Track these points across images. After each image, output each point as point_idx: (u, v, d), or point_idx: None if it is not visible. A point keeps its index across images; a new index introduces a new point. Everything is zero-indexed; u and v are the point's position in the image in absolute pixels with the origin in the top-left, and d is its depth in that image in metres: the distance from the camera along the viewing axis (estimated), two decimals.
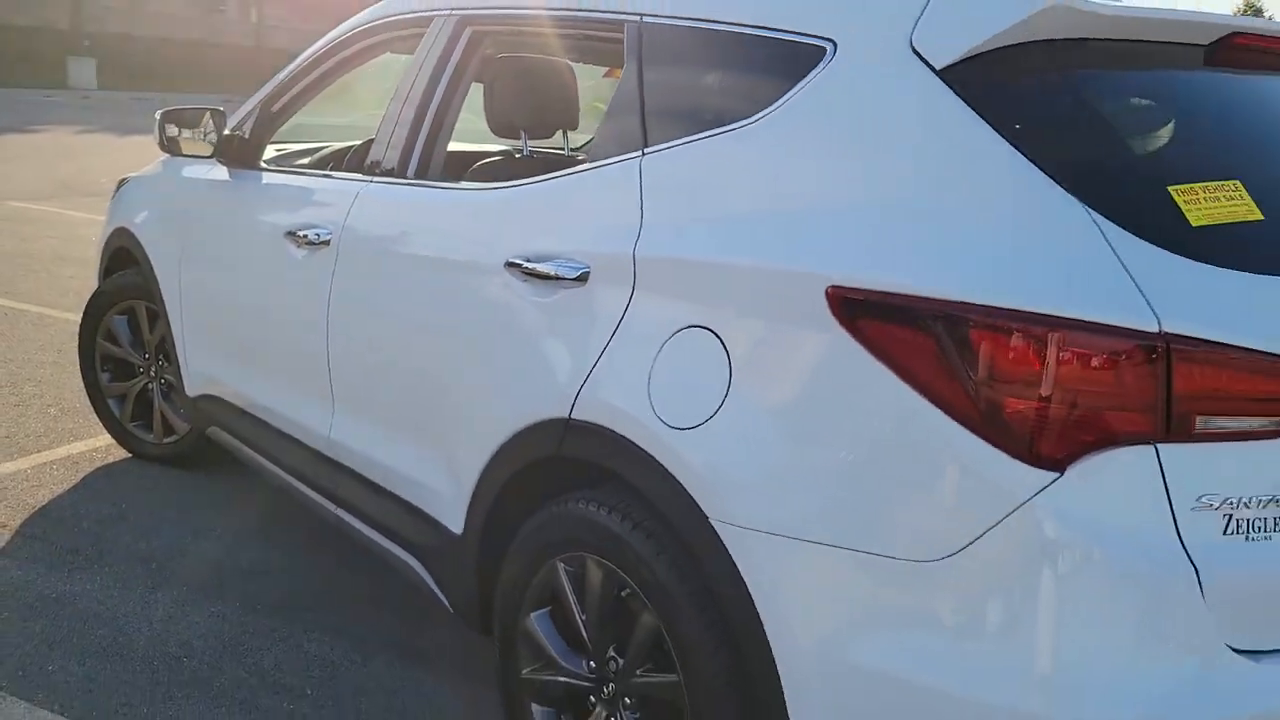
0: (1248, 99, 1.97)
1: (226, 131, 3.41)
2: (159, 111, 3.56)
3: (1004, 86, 1.73)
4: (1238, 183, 1.68)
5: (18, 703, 2.54)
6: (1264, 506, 1.56)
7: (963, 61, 1.73)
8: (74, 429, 4.31)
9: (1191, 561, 1.51)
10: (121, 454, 4.11)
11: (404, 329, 2.59)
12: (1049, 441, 1.52)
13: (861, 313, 1.65)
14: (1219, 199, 1.64)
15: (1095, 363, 1.50)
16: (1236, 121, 1.94)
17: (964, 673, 1.56)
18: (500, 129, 2.78)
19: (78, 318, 4.19)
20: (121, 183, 4.23)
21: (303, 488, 3.07)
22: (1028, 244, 1.60)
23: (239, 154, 3.40)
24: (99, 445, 4.17)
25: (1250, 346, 1.52)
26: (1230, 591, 1.54)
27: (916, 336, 1.60)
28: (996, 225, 1.63)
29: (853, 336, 1.65)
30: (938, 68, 1.74)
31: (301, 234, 2.92)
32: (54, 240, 8.35)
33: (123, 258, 4.03)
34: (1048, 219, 1.59)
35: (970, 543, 1.55)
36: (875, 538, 1.63)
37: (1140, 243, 1.55)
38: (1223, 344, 1.51)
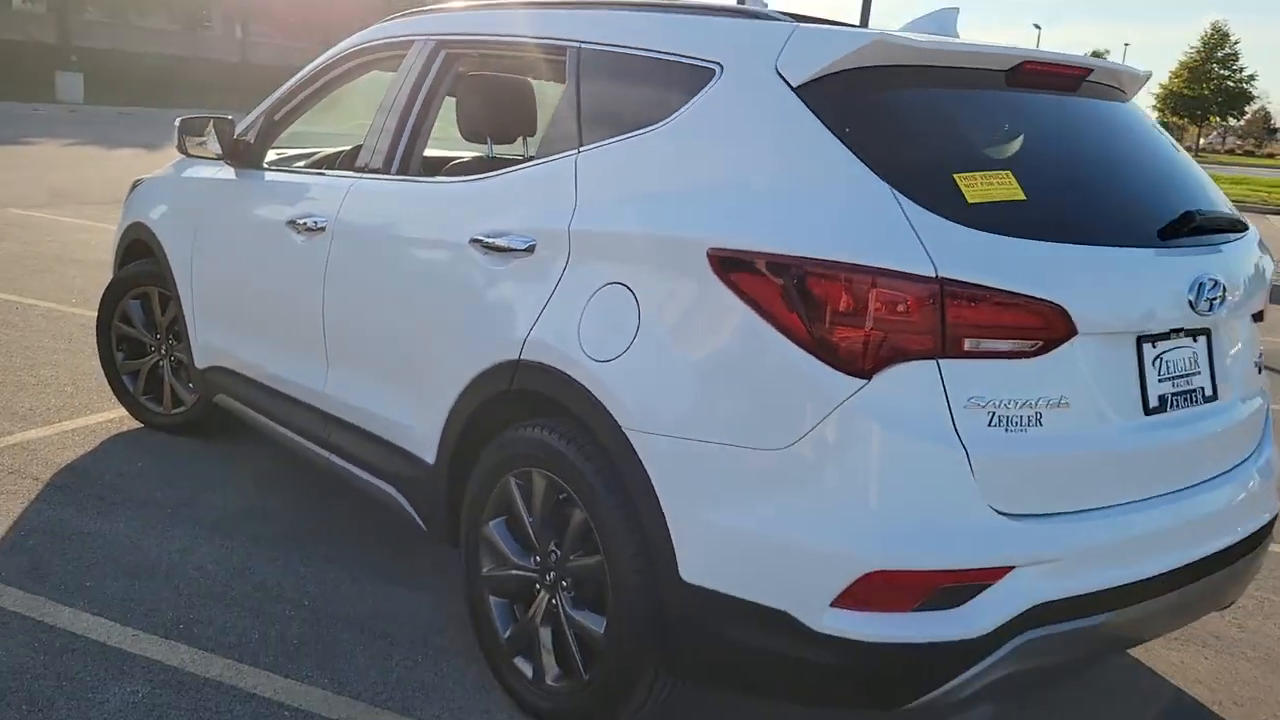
0: (1029, 111, 2.56)
1: (234, 137, 3.95)
2: (178, 119, 4.09)
3: (841, 100, 2.30)
4: (1009, 172, 2.26)
5: (62, 608, 3.06)
6: (1019, 408, 2.14)
7: (812, 81, 2.31)
8: (89, 404, 4.83)
9: (963, 445, 2.08)
10: (134, 424, 4.62)
11: (387, 296, 3.15)
12: (860, 357, 2.08)
13: (731, 268, 2.22)
14: (992, 184, 2.22)
15: (891, 299, 2.07)
16: (1016, 127, 2.52)
17: (799, 525, 2.12)
18: (470, 136, 3.32)
19: (84, 312, 4.72)
20: (136, 184, 4.76)
21: (300, 439, 3.61)
22: (848, 215, 2.17)
23: (245, 156, 3.95)
24: (114, 417, 4.69)
25: (1002, 288, 2.09)
26: (991, 468, 2.11)
27: (769, 283, 2.16)
28: (827, 202, 2.20)
29: (725, 285, 2.22)
30: (794, 85, 2.32)
31: (301, 222, 3.47)
32: (54, 244, 8.85)
33: (137, 249, 4.56)
34: (863, 197, 2.16)
35: (807, 432, 2.12)
36: (741, 433, 2.19)
37: (928, 214, 2.12)
38: (982, 285, 2.08)
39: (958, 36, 2.88)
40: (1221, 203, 2.74)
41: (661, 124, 2.52)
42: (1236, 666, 3.31)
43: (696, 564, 2.26)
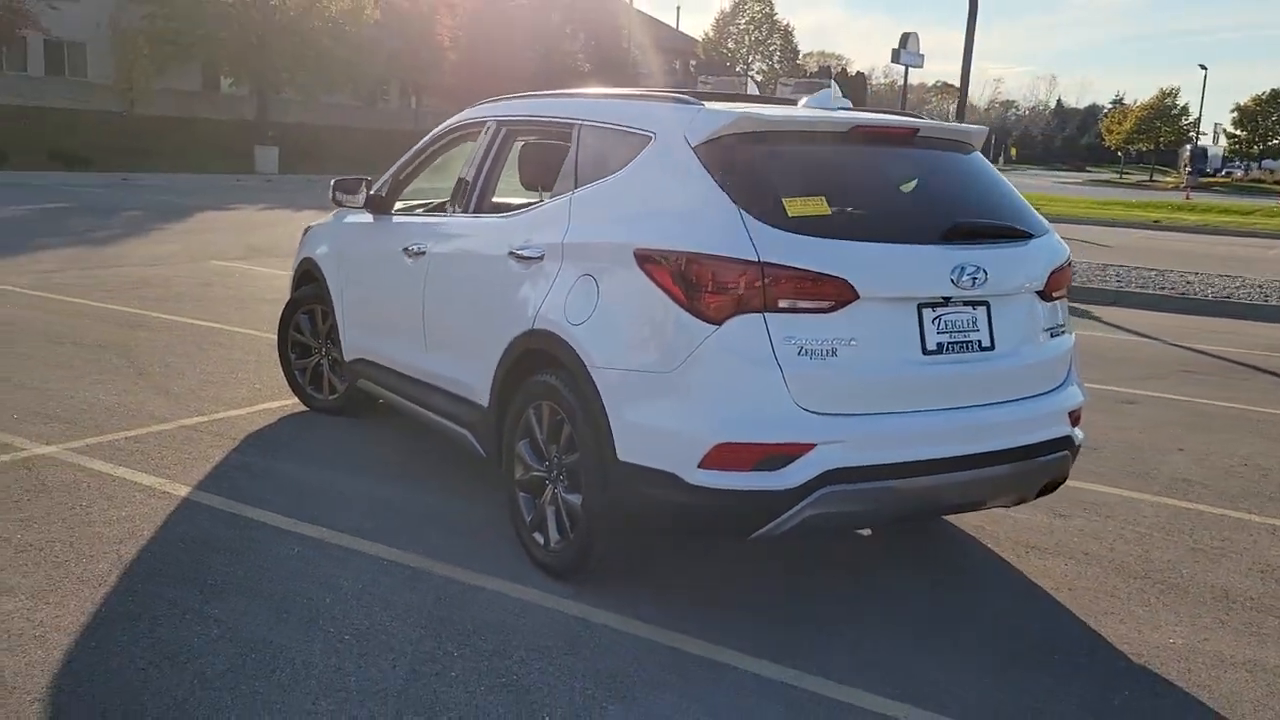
0: (865, 157, 3.80)
1: (370, 192, 5.52)
2: (332, 179, 5.69)
3: (719, 154, 3.59)
4: (823, 197, 3.51)
5: (247, 507, 4.58)
6: (819, 344, 3.37)
7: (703, 143, 3.62)
8: (271, 395, 6.48)
9: (779, 367, 3.33)
10: (301, 407, 6.23)
11: (460, 295, 4.59)
12: (713, 312, 3.36)
13: (645, 260, 3.54)
14: (809, 204, 3.48)
15: (731, 275, 3.35)
16: (850, 168, 3.77)
17: (680, 417, 3.40)
18: (527, 185, 4.75)
19: (271, 336, 6.36)
20: (306, 229, 6.42)
21: (412, 404, 5.08)
22: (711, 226, 3.45)
23: (378, 205, 5.51)
24: (287, 403, 6.31)
25: (802, 267, 3.34)
26: (799, 381, 3.35)
27: (664, 269, 3.48)
28: (701, 218, 3.48)
29: (642, 272, 3.54)
30: (692, 146, 3.64)
31: (410, 248, 4.97)
32: (250, 288, 10.85)
33: (306, 278, 6.20)
34: (721, 214, 3.44)
35: (683, 360, 3.41)
36: (649, 363, 3.50)
37: (759, 223, 3.39)
38: (789, 266, 3.34)
39: (841, 106, 4.14)
40: (1016, 220, 3.90)
41: (619, 172, 3.88)
42: (1087, 570, 4.36)
43: (626, 447, 3.57)
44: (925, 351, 3.56)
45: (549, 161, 4.41)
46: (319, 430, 5.86)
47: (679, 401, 3.44)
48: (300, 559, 4.07)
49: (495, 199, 4.91)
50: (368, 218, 5.60)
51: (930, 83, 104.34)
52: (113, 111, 35.89)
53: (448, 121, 5.31)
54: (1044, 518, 4.95)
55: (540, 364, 4.03)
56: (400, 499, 4.80)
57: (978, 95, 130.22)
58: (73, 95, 36.57)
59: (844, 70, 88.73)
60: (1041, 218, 4.06)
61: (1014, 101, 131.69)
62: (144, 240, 14.90)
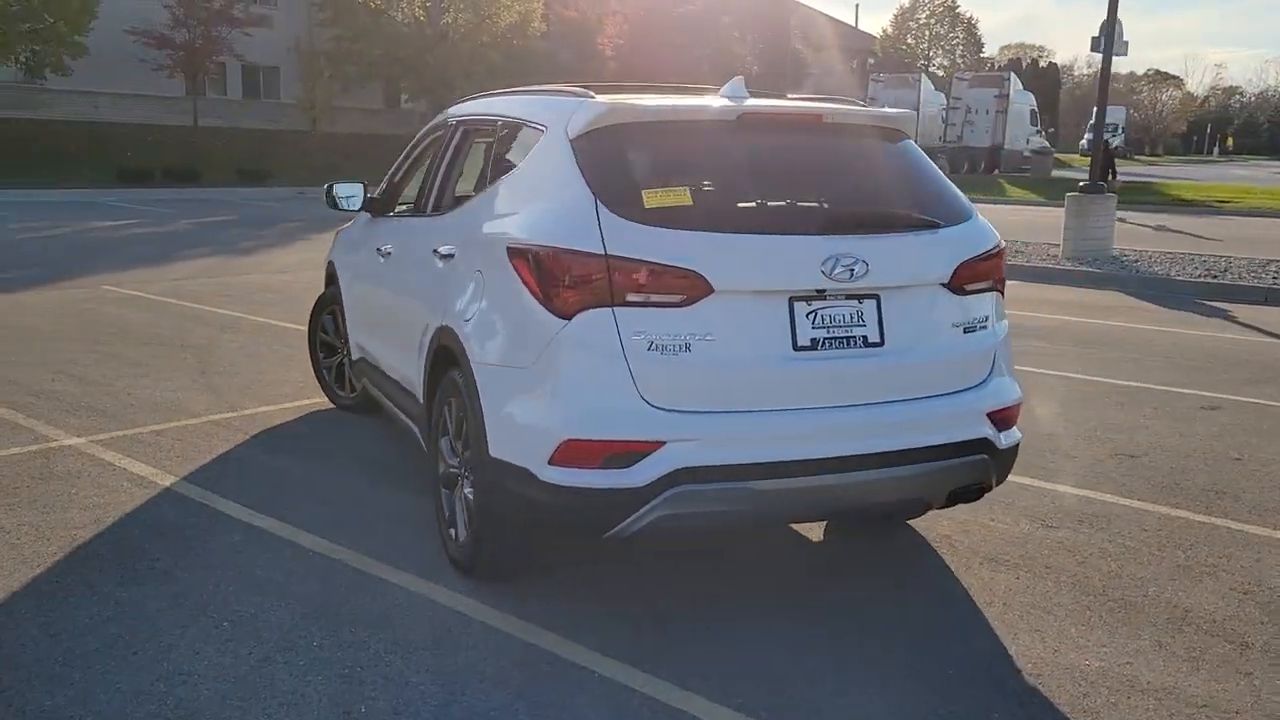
0: (740, 148, 3.64)
1: (369, 195, 5.69)
2: (327, 184, 5.88)
3: (589, 146, 3.52)
4: (686, 188, 3.40)
5: (230, 503, 4.81)
6: (671, 339, 3.26)
7: (579, 136, 3.56)
8: (312, 392, 6.76)
9: (628, 362, 3.25)
10: (330, 405, 6.48)
11: (405, 291, 4.68)
12: (564, 306, 3.31)
13: (513, 255, 3.52)
14: (669, 195, 3.37)
15: (580, 268, 3.28)
16: (721, 157, 3.62)
17: (533, 412, 3.36)
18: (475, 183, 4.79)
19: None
20: (337, 232, 6.67)
21: (385, 400, 5.21)
22: (567, 219, 3.39)
23: (375, 208, 5.67)
24: (319, 402, 6.58)
25: (651, 260, 3.24)
26: (648, 378, 3.25)
27: (526, 263, 3.44)
28: (563, 211, 3.43)
29: (511, 267, 3.52)
30: (569, 139, 3.59)
31: (381, 249, 5.10)
32: None
33: (330, 279, 6.44)
34: (579, 207, 3.38)
35: (539, 355, 3.37)
36: (515, 358, 3.48)
37: (613, 216, 3.32)
38: (636, 259, 3.24)
39: (747, 97, 3.98)
40: (923, 209, 3.67)
41: (516, 168, 3.87)
42: (1039, 585, 4.04)
43: (495, 442, 3.55)
44: (796, 347, 3.39)
45: (480, 158, 4.44)
46: (335, 427, 6.08)
47: (535, 397, 3.40)
48: (233, 548, 4.24)
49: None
50: (367, 219, 5.77)
51: (1141, 71, 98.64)
52: (300, 130, 38.21)
53: (426, 126, 5.42)
54: (1026, 528, 4.62)
55: (449, 361, 4.07)
56: (375, 497, 4.92)
57: (1196, 83, 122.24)
58: (267, 116, 39.18)
59: (1034, 61, 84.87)
60: (967, 207, 3.80)
61: (1238, 87, 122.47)
62: (286, 250, 15.82)
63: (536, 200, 3.63)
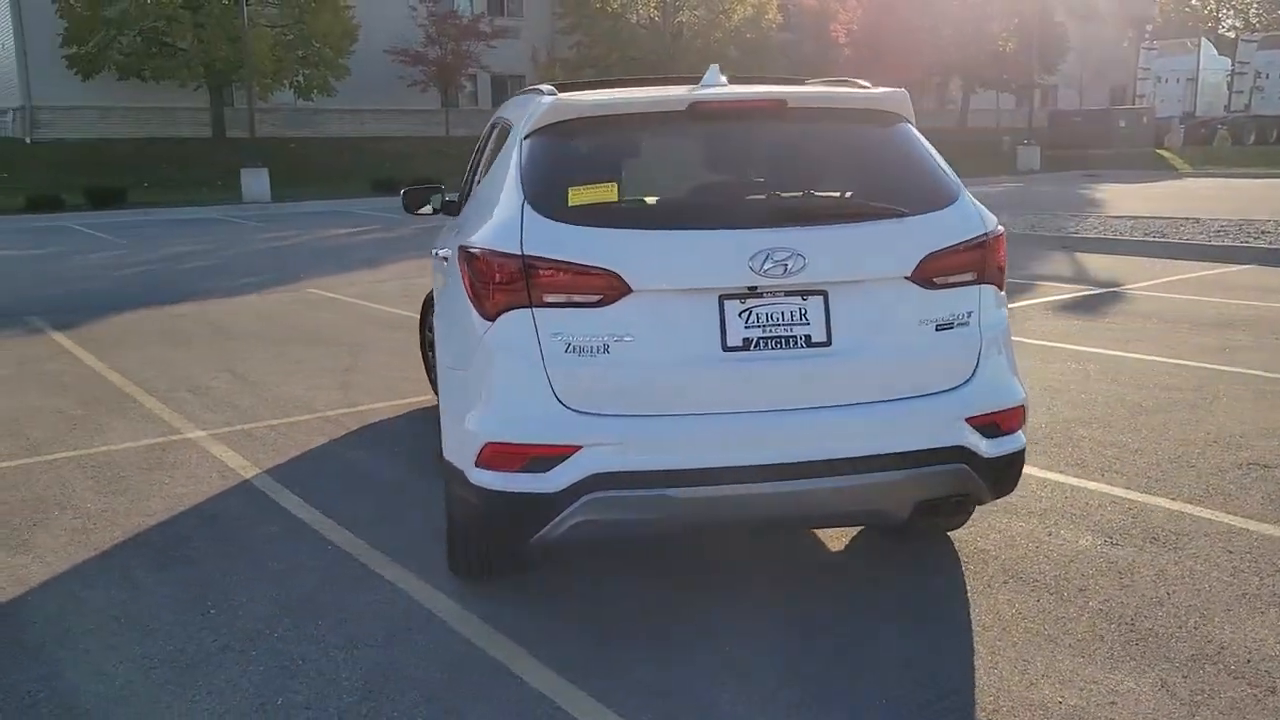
0: (689, 139, 3.46)
1: (445, 198, 5.85)
2: (403, 189, 6.06)
3: (533, 144, 3.46)
4: (614, 184, 3.28)
5: (290, 495, 5.10)
6: (589, 340, 3.16)
7: (530, 134, 3.52)
8: (422, 390, 7.05)
9: (544, 363, 3.18)
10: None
11: (440, 289, 4.78)
12: (489, 308, 3.28)
13: (463, 257, 3.52)
14: (596, 191, 3.27)
15: (500, 269, 3.24)
16: (666, 150, 3.44)
17: (465, 415, 3.35)
18: None
19: None
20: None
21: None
22: (499, 220, 3.35)
23: (451, 210, 5.82)
24: (430, 399, 6.84)
25: (564, 260, 3.15)
26: (566, 380, 3.16)
27: (465, 264, 3.43)
28: (500, 212, 3.39)
29: (460, 268, 3.53)
30: (521, 137, 3.54)
31: (439, 253, 5.24)
32: None
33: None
34: (511, 207, 3.34)
35: (471, 357, 3.36)
36: (458, 360, 3.48)
37: (535, 215, 3.25)
38: (551, 259, 3.16)
39: (723, 84, 3.77)
40: (890, 197, 3.36)
41: (492, 168, 3.87)
42: (1056, 610, 3.62)
43: (444, 444, 3.57)
44: (726, 347, 3.19)
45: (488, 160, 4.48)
46: (428, 425, 6.29)
47: (469, 400, 3.39)
48: (265, 539, 4.49)
49: None
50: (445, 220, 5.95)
51: None
52: None
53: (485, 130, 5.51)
54: (1085, 543, 4.16)
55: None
56: (426, 493, 5.04)
57: None
58: None
59: None
60: (950, 193, 3.45)
61: None
62: None
63: (491, 201, 3.61)
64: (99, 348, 8.72)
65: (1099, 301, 10.24)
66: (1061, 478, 4.95)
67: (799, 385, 3.23)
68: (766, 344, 3.20)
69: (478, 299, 3.33)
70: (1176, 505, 4.56)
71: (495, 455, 3.25)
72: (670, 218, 3.29)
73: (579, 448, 3.17)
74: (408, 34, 35.53)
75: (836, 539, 4.31)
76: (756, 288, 3.20)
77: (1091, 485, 4.84)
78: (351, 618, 3.71)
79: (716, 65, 3.75)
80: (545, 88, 3.87)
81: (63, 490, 5.14)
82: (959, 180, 3.54)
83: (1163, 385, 6.70)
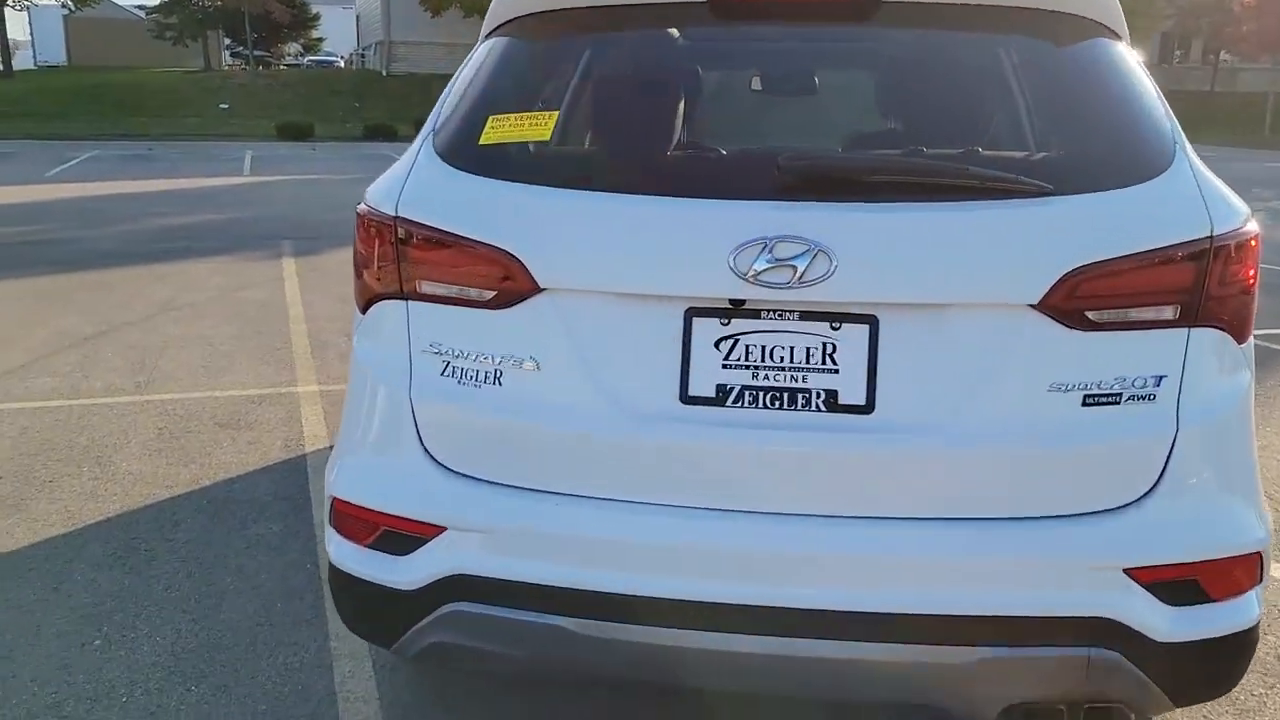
0: (704, 53, 2.11)
1: None
2: None
3: (487, 52, 2.27)
4: (553, 114, 2.03)
5: None
6: (472, 360, 1.97)
7: (488, 34, 2.34)
8: None
9: (410, 388, 2.03)
10: None
11: None
12: (362, 293, 2.17)
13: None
14: (523, 125, 2.04)
15: (373, 236, 2.10)
16: (649, 68, 2.11)
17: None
18: None
19: None
20: None
21: None
22: (396, 167, 2.20)
23: None
24: None
25: (438, 226, 1.96)
26: (436, 416, 2.00)
27: None
28: (404, 157, 2.22)
29: None
30: (485, 33, 2.36)
31: None
32: None
33: None
34: (414, 147, 2.18)
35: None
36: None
37: (432, 158, 2.08)
38: (423, 224, 1.98)
39: None
40: (1029, 163, 1.90)
41: None
42: None
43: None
44: (687, 397, 1.88)
45: None
46: None
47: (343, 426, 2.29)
48: (268, 533, 3.70)
49: None
50: None
51: None
52: None
53: None
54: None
55: None
56: None
57: None
58: None
59: None
60: (1150, 159, 1.91)
61: None
62: None
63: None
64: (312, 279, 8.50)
65: None
66: None
67: (808, 476, 1.86)
68: (757, 398, 1.86)
69: (357, 278, 2.21)
70: None
71: (344, 518, 2.16)
72: (618, 174, 1.99)
73: (444, 528, 1.99)
74: None
75: None
76: (745, 301, 1.86)
77: None
78: (263, 634, 2.78)
79: None
80: None
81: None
82: (1179, 139, 1.96)
83: None
